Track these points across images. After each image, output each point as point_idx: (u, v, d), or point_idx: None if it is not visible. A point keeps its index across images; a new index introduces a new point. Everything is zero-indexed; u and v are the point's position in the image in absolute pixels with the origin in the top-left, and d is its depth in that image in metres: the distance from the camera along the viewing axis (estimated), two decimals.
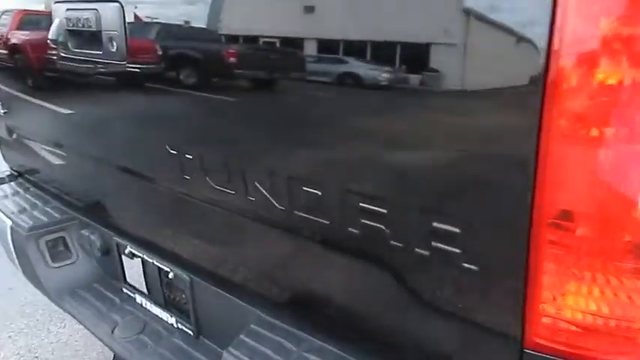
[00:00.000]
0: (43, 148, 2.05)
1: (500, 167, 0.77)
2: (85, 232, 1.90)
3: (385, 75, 0.91)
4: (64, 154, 1.95)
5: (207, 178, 1.26)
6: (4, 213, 2.03)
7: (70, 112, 1.79)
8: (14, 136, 2.21)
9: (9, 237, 1.98)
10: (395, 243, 0.92)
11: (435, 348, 0.99)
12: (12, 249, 2.00)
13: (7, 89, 2.13)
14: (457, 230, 0.82)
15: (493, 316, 0.86)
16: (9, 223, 1.97)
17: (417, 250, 0.89)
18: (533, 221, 0.73)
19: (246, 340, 1.23)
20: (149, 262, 1.64)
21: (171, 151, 1.33)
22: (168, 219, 1.58)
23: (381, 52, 0.89)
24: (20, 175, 2.37)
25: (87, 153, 1.80)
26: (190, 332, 1.59)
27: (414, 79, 0.87)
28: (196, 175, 1.30)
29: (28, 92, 2.02)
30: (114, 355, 1.91)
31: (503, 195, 0.77)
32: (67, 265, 1.96)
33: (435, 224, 0.85)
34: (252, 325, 1.28)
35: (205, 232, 1.45)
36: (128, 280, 1.80)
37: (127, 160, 1.60)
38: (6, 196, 2.20)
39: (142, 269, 1.70)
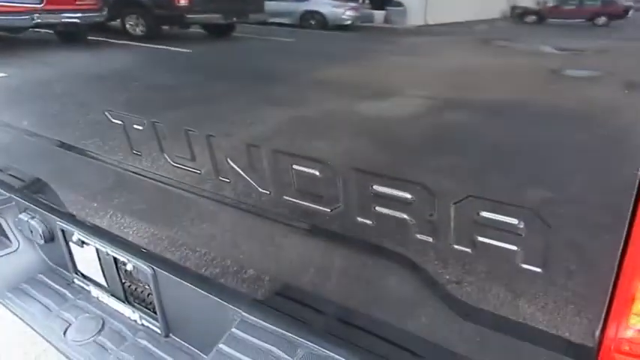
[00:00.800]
0: None
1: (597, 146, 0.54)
2: (23, 217, 1.60)
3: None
4: None
5: (162, 150, 1.03)
6: None
7: None
8: None
9: None
10: (422, 237, 0.70)
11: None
12: None
13: None
14: (520, 225, 0.61)
15: (562, 326, 0.67)
16: None
17: (458, 247, 0.67)
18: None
19: (226, 349, 1.01)
20: (102, 250, 1.38)
21: (113, 120, 1.05)
22: (120, 201, 1.31)
23: None
24: None
25: (15, 124, 1.48)
26: (158, 330, 1.35)
27: None
28: (146, 145, 1.06)
29: None
30: None
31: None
32: (5, 255, 1.68)
33: (483, 214, 0.63)
34: (233, 329, 1.05)
35: (166, 216, 1.20)
36: (80, 269, 1.54)
37: (63, 131, 1.31)
38: None
39: (96, 257, 1.43)
